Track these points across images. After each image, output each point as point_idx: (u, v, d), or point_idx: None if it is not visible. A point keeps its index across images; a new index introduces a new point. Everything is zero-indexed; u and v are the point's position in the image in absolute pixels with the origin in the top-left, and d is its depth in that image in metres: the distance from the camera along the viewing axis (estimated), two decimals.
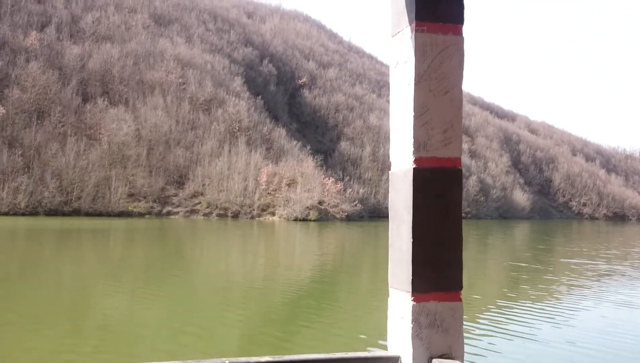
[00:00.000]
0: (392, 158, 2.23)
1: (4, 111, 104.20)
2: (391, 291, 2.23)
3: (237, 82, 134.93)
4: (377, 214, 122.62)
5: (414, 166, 2.02)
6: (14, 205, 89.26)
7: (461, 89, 2.12)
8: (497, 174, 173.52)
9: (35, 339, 13.50)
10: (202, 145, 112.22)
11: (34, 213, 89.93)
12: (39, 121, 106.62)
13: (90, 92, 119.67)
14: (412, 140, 2.03)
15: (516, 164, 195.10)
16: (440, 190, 2.05)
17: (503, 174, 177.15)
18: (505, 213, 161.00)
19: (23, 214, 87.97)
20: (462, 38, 2.08)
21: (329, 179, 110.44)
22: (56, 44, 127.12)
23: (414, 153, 2.03)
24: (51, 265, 29.89)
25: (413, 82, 2.02)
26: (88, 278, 24.97)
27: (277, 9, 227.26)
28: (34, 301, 18.41)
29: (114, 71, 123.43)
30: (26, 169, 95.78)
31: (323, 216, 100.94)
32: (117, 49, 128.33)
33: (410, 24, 2.05)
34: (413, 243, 2.01)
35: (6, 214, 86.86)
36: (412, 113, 2.03)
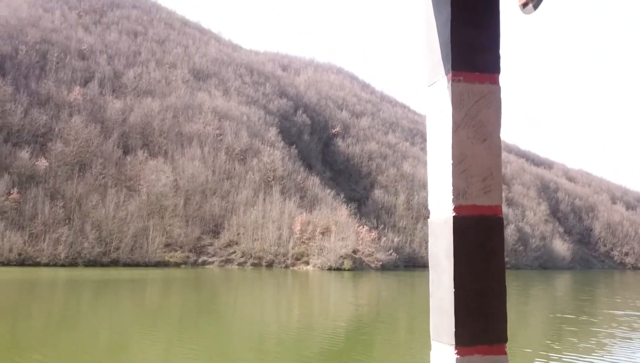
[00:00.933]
0: (431, 206, 2.17)
1: (47, 164, 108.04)
2: (433, 344, 2.12)
3: (272, 133, 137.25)
4: (413, 263, 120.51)
5: (454, 214, 1.98)
6: (54, 256, 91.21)
7: (499, 137, 2.09)
8: (535, 223, 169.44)
9: None
10: (237, 194, 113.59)
11: (73, 263, 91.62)
12: (81, 173, 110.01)
13: (130, 144, 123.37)
14: (452, 188, 1.99)
15: (555, 212, 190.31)
16: (481, 238, 2.00)
17: (542, 223, 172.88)
18: (545, 263, 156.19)
19: (62, 265, 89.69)
20: (499, 87, 2.08)
21: (363, 227, 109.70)
22: (99, 99, 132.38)
23: (453, 200, 1.99)
24: (90, 315, 30.22)
25: (451, 130, 2.00)
26: (125, 328, 25.11)
27: (310, 62, 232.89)
28: (72, 350, 18.56)
29: (154, 123, 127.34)
30: (67, 221, 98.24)
31: (357, 266, 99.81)
32: (158, 103, 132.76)
33: (446, 74, 2.05)
34: (455, 292, 1.96)
35: (46, 265, 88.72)
36: (450, 161, 2.00)
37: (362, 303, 41.73)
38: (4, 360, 16.91)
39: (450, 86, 2.03)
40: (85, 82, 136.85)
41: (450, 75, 2.03)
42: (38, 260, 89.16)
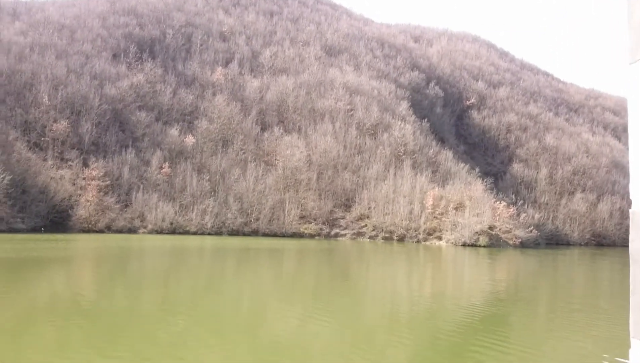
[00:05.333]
0: (634, 195, 1.96)
1: (194, 140, 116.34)
2: (634, 342, 1.95)
3: (403, 106, 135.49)
4: (556, 241, 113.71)
5: None
6: (201, 226, 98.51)
7: None
8: None
9: (214, 351, 14.52)
10: (368, 169, 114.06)
11: (218, 232, 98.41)
12: (224, 149, 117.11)
13: (267, 121, 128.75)
14: None
15: None
16: None
17: None
18: None
19: (209, 234, 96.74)
20: None
21: (500, 203, 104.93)
22: (238, 78, 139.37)
23: None
24: (232, 281, 32.25)
25: None
26: (264, 295, 26.44)
27: (444, 32, 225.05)
28: (216, 315, 19.91)
29: (288, 101, 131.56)
30: (212, 193, 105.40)
31: (494, 242, 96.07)
32: (292, 81, 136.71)
33: None
34: None
35: (194, 233, 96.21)
36: None
37: (499, 280, 40.12)
38: (157, 320, 18.57)
39: None
40: (226, 63, 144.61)
41: None
42: (187, 229, 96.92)
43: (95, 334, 15.85)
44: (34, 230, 78.91)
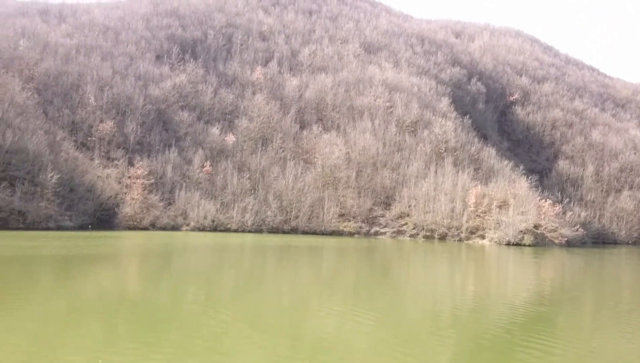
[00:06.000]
0: None
1: (234, 139, 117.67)
2: None
3: (444, 103, 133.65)
4: (602, 240, 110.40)
5: None
6: (242, 223, 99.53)
7: None
8: None
9: (257, 346, 14.61)
10: (408, 166, 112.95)
11: (258, 230, 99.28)
12: (263, 147, 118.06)
13: (306, 119, 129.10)
14: None
15: None
16: None
17: None
18: None
19: (249, 232, 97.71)
20: None
21: (546, 201, 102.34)
22: (278, 77, 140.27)
23: None
24: (273, 278, 32.47)
25: None
26: (304, 292, 26.52)
27: (486, 27, 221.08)
28: (257, 311, 20.06)
29: (327, 98, 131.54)
30: (252, 191, 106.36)
31: (539, 241, 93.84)
32: (330, 78, 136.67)
33: None
34: None
35: (235, 231, 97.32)
36: None
37: (545, 279, 39.14)
38: (200, 315, 18.84)
39: None
40: (266, 62, 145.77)
41: None
42: (228, 226, 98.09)
43: (141, 328, 16.18)
44: (81, 227, 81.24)
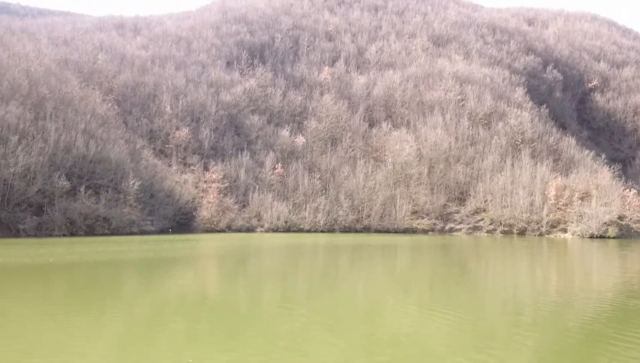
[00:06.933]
0: None
1: (304, 140, 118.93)
2: None
3: (519, 93, 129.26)
4: None
5: None
6: (314, 223, 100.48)
7: None
8: None
9: (334, 347, 14.58)
10: (482, 160, 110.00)
11: (330, 229, 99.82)
12: (333, 147, 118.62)
13: (375, 117, 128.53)
14: None
15: None
16: None
17: None
18: None
19: (322, 231, 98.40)
20: None
21: (630, 190, 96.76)
22: (345, 76, 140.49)
23: None
24: (346, 277, 32.45)
25: None
26: (379, 291, 26.29)
27: (560, 12, 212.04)
28: (333, 311, 20.05)
29: (396, 95, 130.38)
30: (323, 191, 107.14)
31: (624, 233, 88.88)
32: (399, 74, 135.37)
33: None
34: None
35: (308, 231, 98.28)
36: None
37: (633, 272, 36.85)
38: (277, 316, 19.06)
39: None
40: (333, 62, 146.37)
41: None
42: (301, 227, 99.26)
43: (221, 328, 16.57)
44: (162, 231, 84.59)
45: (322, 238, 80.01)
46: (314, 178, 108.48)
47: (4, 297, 22.82)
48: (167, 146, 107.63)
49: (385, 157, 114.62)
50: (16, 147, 70.73)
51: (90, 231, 74.55)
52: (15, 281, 27.70)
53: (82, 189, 76.56)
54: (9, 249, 48.59)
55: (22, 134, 74.32)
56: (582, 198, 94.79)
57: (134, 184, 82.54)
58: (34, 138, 75.79)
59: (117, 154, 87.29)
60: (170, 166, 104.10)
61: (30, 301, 21.48)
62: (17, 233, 68.21)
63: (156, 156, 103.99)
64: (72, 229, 73.04)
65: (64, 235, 70.91)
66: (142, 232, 79.75)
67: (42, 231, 70.59)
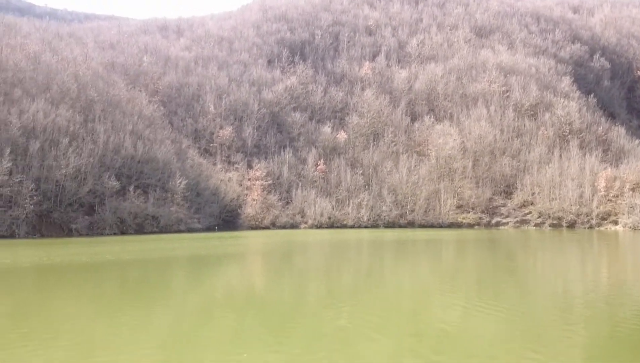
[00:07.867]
0: None
1: (346, 136, 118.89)
2: None
3: (565, 82, 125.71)
4: None
5: None
6: (357, 219, 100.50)
7: None
8: None
9: (380, 345, 14.70)
10: (529, 152, 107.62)
11: (374, 225, 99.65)
12: (375, 142, 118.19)
13: (417, 111, 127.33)
14: None
15: None
16: None
17: None
18: None
19: (366, 227, 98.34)
20: None
21: None
22: (386, 71, 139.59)
23: None
24: (392, 273, 32.43)
25: None
26: (425, 287, 26.22)
27: None
28: (379, 307, 20.16)
29: (438, 88, 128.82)
30: (366, 187, 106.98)
31: None
32: (441, 67, 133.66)
33: None
34: None
35: (352, 227, 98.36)
36: None
37: None
38: (323, 313, 19.31)
39: None
40: (373, 57, 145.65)
41: None
42: (344, 222, 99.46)
43: (267, 326, 16.89)
44: (208, 229, 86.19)
45: (366, 233, 79.92)
46: (357, 173, 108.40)
47: (60, 294, 23.90)
48: (211, 145, 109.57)
49: (429, 151, 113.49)
50: (67, 149, 73.39)
51: (140, 230, 76.66)
52: (71, 279, 28.90)
53: (131, 188, 78.83)
54: (64, 248, 50.58)
55: (72, 136, 77.07)
56: (633, 189, 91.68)
57: (180, 183, 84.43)
58: (83, 139, 78.47)
59: (164, 154, 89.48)
60: (215, 164, 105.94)
61: (84, 297, 22.42)
62: (69, 233, 70.84)
63: (201, 155, 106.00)
64: (123, 228, 75.32)
65: (115, 234, 73.18)
66: (190, 230, 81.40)
67: (93, 230, 73.07)
